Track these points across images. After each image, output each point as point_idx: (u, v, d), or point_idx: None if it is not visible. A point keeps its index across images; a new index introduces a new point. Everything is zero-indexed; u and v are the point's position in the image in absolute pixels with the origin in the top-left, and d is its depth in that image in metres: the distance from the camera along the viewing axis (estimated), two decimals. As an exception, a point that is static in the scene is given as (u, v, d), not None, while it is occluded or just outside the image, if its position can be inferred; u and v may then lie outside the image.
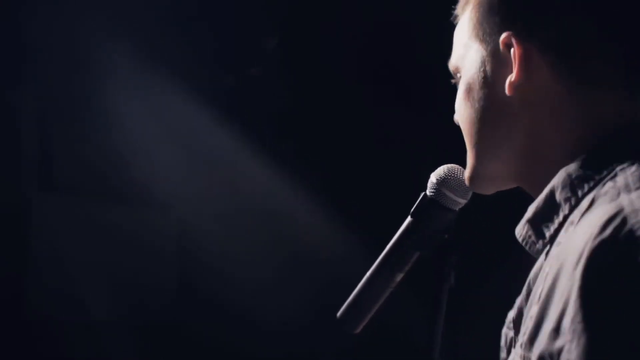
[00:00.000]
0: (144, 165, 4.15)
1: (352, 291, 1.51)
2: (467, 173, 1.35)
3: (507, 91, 1.24)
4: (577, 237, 1.08)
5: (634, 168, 1.13)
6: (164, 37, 4.08)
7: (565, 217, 1.17)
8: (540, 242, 1.21)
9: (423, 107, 3.89)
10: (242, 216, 4.36)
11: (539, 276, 1.17)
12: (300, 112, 4.34)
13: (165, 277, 4.34)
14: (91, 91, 4.09)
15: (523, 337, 1.14)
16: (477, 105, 1.29)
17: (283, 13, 4.26)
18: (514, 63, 1.23)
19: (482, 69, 1.28)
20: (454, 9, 1.38)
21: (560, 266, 1.08)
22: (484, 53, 1.28)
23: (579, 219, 1.13)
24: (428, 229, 1.46)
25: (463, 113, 1.32)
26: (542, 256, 1.21)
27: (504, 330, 1.27)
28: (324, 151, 4.29)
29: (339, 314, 1.50)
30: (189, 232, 4.39)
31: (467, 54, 1.32)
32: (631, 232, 1.02)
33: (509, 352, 1.24)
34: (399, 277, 1.49)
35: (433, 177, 1.48)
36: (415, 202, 1.48)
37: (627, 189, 1.10)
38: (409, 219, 1.48)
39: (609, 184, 1.13)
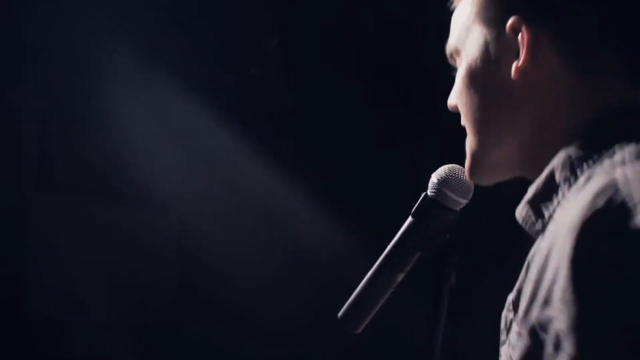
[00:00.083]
0: (144, 165, 4.15)
1: (352, 291, 1.51)
2: (467, 163, 1.34)
3: (512, 75, 1.24)
4: (571, 210, 1.08)
5: (632, 146, 1.13)
6: (164, 37, 4.08)
7: (565, 197, 1.17)
8: (540, 222, 1.21)
9: (423, 107, 3.89)
10: (242, 216, 4.36)
11: (536, 255, 1.17)
12: (300, 112, 4.34)
13: (165, 277, 4.34)
14: (91, 91, 4.09)
15: (519, 314, 1.14)
16: (480, 89, 1.28)
17: (283, 13, 4.26)
18: (521, 47, 1.23)
19: (485, 53, 1.27)
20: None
21: (553, 239, 1.08)
22: (489, 36, 1.27)
23: (575, 196, 1.13)
24: (429, 229, 1.46)
25: (465, 98, 1.31)
26: (541, 236, 1.21)
27: (504, 313, 1.26)
28: (324, 151, 4.29)
29: (340, 314, 1.50)
30: (189, 232, 4.39)
31: (469, 37, 1.30)
32: (623, 202, 1.01)
33: (508, 333, 1.23)
34: (400, 277, 1.48)
35: (434, 177, 1.47)
36: (416, 202, 1.48)
37: (622, 163, 1.10)
38: (410, 219, 1.48)
39: (607, 162, 1.13)
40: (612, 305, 0.98)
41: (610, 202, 1.02)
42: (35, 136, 4.12)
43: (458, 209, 1.47)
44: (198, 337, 4.23)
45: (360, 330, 1.51)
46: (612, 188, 1.04)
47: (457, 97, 1.33)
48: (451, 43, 1.35)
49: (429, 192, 1.47)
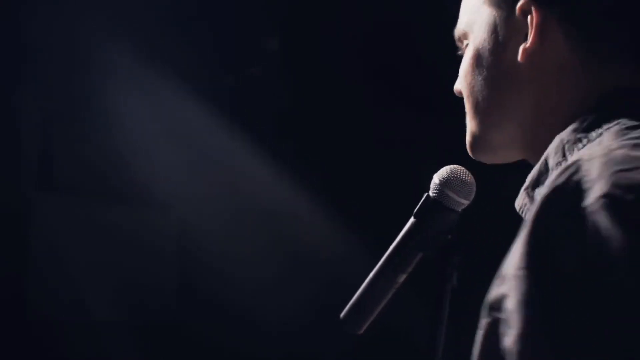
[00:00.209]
0: (144, 165, 4.15)
1: (352, 291, 1.51)
2: (467, 141, 1.33)
3: (519, 58, 1.24)
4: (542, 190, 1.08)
5: (618, 126, 1.13)
6: (164, 37, 4.09)
7: None
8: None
9: (423, 107, 3.90)
10: (242, 216, 4.36)
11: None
12: (300, 112, 4.34)
13: (165, 277, 4.34)
14: (91, 91, 4.09)
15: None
16: (485, 71, 1.28)
17: (283, 13, 4.27)
18: (530, 30, 1.23)
19: (493, 35, 1.28)
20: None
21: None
22: (498, 18, 1.27)
23: None
24: (431, 230, 1.46)
25: (470, 79, 1.30)
26: None
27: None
28: (324, 151, 4.29)
29: (342, 314, 1.50)
30: (189, 232, 4.39)
31: (477, 19, 1.30)
32: (580, 181, 1.01)
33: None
34: (402, 277, 1.48)
35: (436, 178, 1.47)
36: (417, 202, 1.48)
37: (600, 143, 1.10)
38: (411, 219, 1.48)
39: (595, 143, 1.13)
40: (561, 282, 0.97)
41: (568, 180, 1.01)
42: (35, 136, 4.12)
43: (460, 210, 1.47)
44: (198, 337, 4.23)
45: (362, 330, 1.51)
46: (574, 166, 1.03)
47: (462, 79, 1.33)
48: (460, 27, 1.35)
49: (430, 193, 1.47)
